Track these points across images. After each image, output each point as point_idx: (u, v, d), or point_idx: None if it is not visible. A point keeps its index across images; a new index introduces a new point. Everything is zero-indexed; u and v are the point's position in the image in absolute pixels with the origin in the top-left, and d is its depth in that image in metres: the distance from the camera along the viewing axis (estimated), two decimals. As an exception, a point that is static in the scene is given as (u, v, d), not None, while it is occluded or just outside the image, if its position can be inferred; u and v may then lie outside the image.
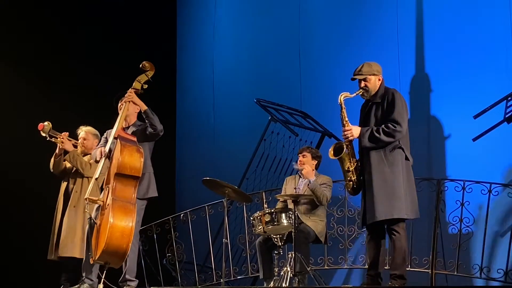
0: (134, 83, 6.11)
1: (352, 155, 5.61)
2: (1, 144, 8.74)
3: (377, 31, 9.05)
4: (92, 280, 5.92)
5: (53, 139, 6.85)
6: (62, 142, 6.83)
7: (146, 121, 6.00)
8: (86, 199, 5.82)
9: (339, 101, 5.66)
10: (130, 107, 6.09)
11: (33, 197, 8.49)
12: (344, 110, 5.66)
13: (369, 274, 5.57)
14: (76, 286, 5.94)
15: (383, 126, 5.46)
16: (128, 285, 5.94)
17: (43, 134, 6.81)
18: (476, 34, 8.18)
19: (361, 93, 5.67)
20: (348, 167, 5.58)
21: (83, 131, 7.10)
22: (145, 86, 6.14)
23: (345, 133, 5.60)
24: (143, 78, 6.13)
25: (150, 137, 6.06)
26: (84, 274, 5.92)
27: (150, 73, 6.14)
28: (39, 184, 8.07)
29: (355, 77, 5.68)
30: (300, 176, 6.91)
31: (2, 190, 8.63)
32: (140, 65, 6.13)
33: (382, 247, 5.55)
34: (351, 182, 5.60)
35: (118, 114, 6.13)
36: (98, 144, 6.51)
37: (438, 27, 8.55)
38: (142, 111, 6.01)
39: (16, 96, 9.03)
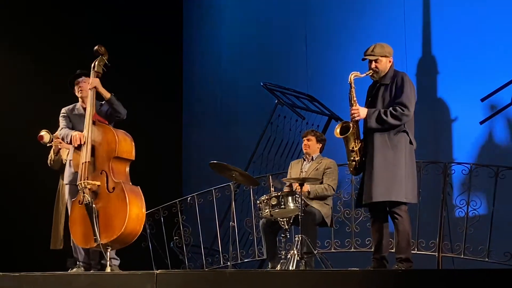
0: (96, 67, 6.11)
1: (357, 136, 5.60)
2: (9, 128, 8.76)
3: (384, 13, 9.01)
4: (86, 263, 5.99)
5: (53, 143, 6.93)
6: (61, 143, 6.87)
7: (111, 108, 6.07)
8: (81, 183, 5.82)
9: (349, 80, 5.60)
10: (105, 93, 6.11)
11: (41, 183, 8.51)
12: (353, 90, 5.62)
13: (375, 257, 5.59)
14: (74, 269, 6.00)
15: (390, 108, 5.45)
16: (114, 264, 6.02)
17: (44, 143, 6.89)
18: (483, 16, 8.14)
19: (371, 73, 5.63)
20: (353, 147, 5.57)
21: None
22: (105, 70, 6.17)
23: (353, 113, 5.59)
24: (102, 61, 6.15)
25: (112, 120, 6.16)
26: (79, 258, 6.00)
27: (106, 56, 6.15)
28: (47, 169, 8.09)
29: (366, 57, 5.63)
30: (304, 160, 6.91)
31: (11, 175, 8.66)
32: (95, 49, 6.12)
33: (385, 230, 5.55)
34: (354, 162, 5.59)
35: (72, 92, 6.34)
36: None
37: (445, 9, 8.51)
38: (106, 99, 6.07)
39: (24, 80, 9.06)
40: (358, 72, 5.64)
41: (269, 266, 6.59)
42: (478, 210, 7.01)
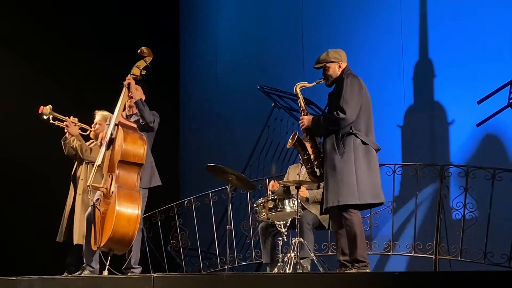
0: (133, 69, 6.05)
1: (313, 144, 5.60)
2: (9, 130, 8.75)
3: (381, 16, 9.03)
4: (93, 268, 5.94)
5: (56, 122, 6.83)
6: (67, 126, 6.82)
7: (137, 111, 5.96)
8: (88, 186, 5.84)
9: (294, 91, 5.66)
10: (135, 96, 6.03)
11: (40, 180, 8.52)
12: (300, 100, 5.65)
13: (338, 259, 5.53)
14: (78, 272, 5.98)
15: (328, 114, 5.46)
16: (132, 272, 5.98)
17: (44, 117, 6.78)
18: (480, 19, 8.16)
19: (321, 81, 5.65)
20: (303, 156, 5.61)
21: (99, 115, 7.05)
22: (143, 72, 6.10)
23: (300, 123, 5.62)
24: (141, 64, 6.08)
25: (145, 129, 6.01)
26: (85, 261, 5.96)
27: (149, 59, 6.09)
28: (47, 167, 8.08)
29: (314, 66, 5.66)
30: (302, 164, 6.91)
31: (11, 175, 8.66)
32: (138, 51, 6.08)
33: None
34: (310, 169, 5.58)
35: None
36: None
37: (441, 12, 8.53)
38: (134, 100, 5.97)
39: (23, 81, 9.07)
40: (306, 82, 5.67)
41: (268, 269, 6.59)
42: (475, 212, 7.01)
